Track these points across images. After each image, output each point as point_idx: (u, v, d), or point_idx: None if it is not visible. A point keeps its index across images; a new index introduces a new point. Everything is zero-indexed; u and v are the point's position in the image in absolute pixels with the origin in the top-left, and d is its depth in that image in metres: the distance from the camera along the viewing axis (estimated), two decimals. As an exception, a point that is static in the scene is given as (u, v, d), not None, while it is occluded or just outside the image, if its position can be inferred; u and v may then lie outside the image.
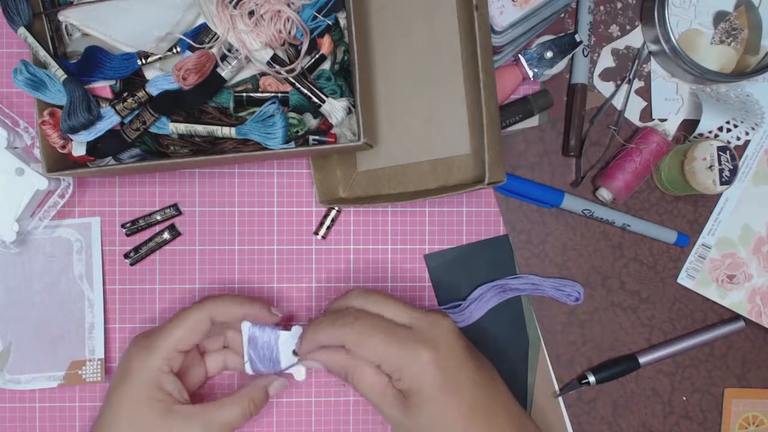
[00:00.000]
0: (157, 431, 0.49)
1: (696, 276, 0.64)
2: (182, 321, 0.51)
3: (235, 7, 0.51)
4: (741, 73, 0.62)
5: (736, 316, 0.65)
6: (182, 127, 0.53)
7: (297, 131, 0.53)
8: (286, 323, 0.60)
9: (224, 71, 0.52)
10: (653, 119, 0.64)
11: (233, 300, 0.53)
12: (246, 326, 0.54)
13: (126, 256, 0.60)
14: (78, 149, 0.53)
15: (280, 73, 0.52)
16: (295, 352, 0.54)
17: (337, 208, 0.61)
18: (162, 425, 0.49)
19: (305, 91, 0.53)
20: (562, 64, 0.60)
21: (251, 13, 0.51)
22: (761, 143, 0.64)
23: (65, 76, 0.50)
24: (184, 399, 0.51)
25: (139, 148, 0.54)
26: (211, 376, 0.57)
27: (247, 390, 0.53)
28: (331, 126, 0.54)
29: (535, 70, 0.59)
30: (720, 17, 0.63)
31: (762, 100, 0.64)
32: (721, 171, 0.59)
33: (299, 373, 0.55)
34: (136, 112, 0.52)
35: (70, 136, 0.52)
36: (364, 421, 0.62)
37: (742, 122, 0.62)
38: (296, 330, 0.54)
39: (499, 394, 0.51)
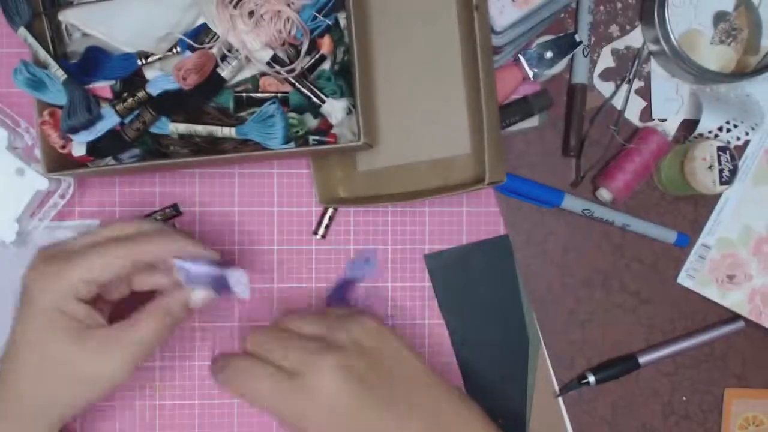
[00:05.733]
0: (69, 360, 0.45)
1: (696, 276, 0.64)
2: (96, 257, 0.46)
3: (235, 7, 0.51)
4: (741, 73, 0.62)
5: (736, 316, 0.65)
6: (182, 127, 0.53)
7: (297, 131, 0.53)
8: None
9: (224, 71, 0.52)
10: (653, 119, 0.64)
11: (165, 238, 0.47)
12: (178, 264, 0.47)
13: (126, 256, 0.60)
14: (78, 149, 0.53)
15: (280, 73, 0.52)
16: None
17: (334, 206, 0.61)
18: (73, 353, 0.45)
19: (305, 91, 0.53)
20: (562, 64, 0.60)
21: (251, 13, 0.51)
22: (761, 143, 0.64)
23: (65, 76, 0.50)
24: (96, 322, 0.47)
25: (139, 148, 0.54)
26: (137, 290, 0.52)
27: (161, 301, 0.48)
28: (331, 126, 0.54)
29: (535, 70, 0.59)
30: (720, 17, 0.63)
31: (762, 100, 0.64)
32: (721, 171, 0.59)
33: (241, 287, 0.49)
34: (136, 112, 0.52)
35: (70, 136, 0.52)
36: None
37: (742, 122, 0.62)
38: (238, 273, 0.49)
39: (410, 414, 0.47)
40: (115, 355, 0.46)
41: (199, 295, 0.49)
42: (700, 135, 0.62)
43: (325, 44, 0.53)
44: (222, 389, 0.49)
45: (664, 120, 0.64)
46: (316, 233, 0.61)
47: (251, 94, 0.54)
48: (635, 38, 0.64)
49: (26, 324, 0.46)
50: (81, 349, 0.45)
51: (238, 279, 0.49)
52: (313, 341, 0.48)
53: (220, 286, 0.49)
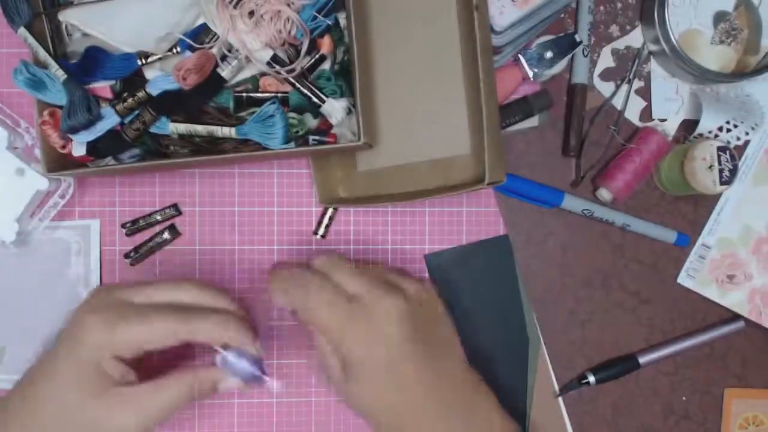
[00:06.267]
0: (85, 411, 0.46)
1: (696, 276, 0.64)
2: (151, 326, 0.47)
3: (235, 7, 0.51)
4: (741, 73, 0.62)
5: (736, 316, 0.65)
6: (182, 127, 0.53)
7: (297, 131, 0.53)
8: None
9: (224, 71, 0.52)
10: (653, 119, 0.64)
11: (220, 324, 0.48)
12: (222, 353, 0.49)
13: (126, 256, 0.60)
14: (78, 149, 0.53)
15: (280, 73, 0.52)
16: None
17: (334, 206, 0.61)
18: (91, 406, 0.46)
19: (305, 91, 0.53)
20: (562, 64, 0.60)
21: (251, 13, 0.51)
22: (761, 143, 0.64)
23: (65, 76, 0.50)
24: (127, 381, 0.48)
25: (139, 148, 0.54)
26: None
27: (193, 375, 0.48)
28: (331, 126, 0.54)
29: (535, 70, 0.59)
30: (720, 17, 0.63)
31: (762, 100, 0.64)
32: (720, 171, 0.59)
33: (272, 384, 0.50)
34: (136, 112, 0.52)
35: (70, 136, 0.52)
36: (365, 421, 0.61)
37: (742, 122, 0.62)
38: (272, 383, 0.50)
39: (442, 375, 0.50)
40: (132, 418, 0.47)
41: (230, 384, 0.50)
42: (700, 135, 0.62)
43: (325, 44, 0.53)
44: (275, 297, 0.51)
45: (664, 120, 0.64)
46: (316, 233, 0.61)
47: (251, 94, 0.54)
48: (635, 38, 0.64)
49: (60, 364, 0.47)
50: (101, 404, 0.46)
51: (272, 385, 0.50)
52: (379, 279, 0.51)
53: (253, 381, 0.50)
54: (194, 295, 0.50)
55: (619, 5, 0.64)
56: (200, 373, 0.49)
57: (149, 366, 0.52)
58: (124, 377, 0.48)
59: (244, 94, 0.54)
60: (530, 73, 0.59)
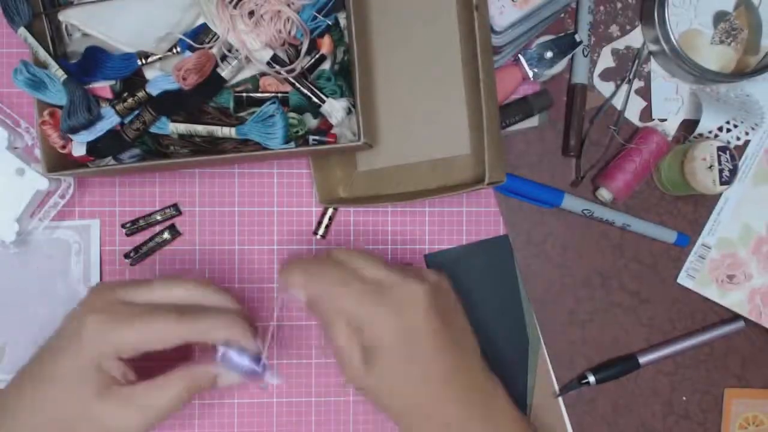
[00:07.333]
0: (86, 410, 0.46)
1: (696, 276, 0.64)
2: (154, 328, 0.47)
3: (235, 7, 0.51)
4: (741, 73, 0.62)
5: (736, 316, 0.65)
6: (182, 127, 0.53)
7: (297, 131, 0.53)
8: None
9: (224, 71, 0.52)
10: (653, 119, 0.64)
11: (222, 323, 0.48)
12: (222, 350, 0.49)
13: (126, 256, 0.60)
14: (78, 149, 0.53)
15: (280, 73, 0.52)
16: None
17: (334, 207, 0.61)
18: (92, 405, 0.46)
19: (305, 91, 0.53)
20: (562, 64, 0.60)
21: (251, 13, 0.51)
22: (761, 143, 0.64)
23: (65, 76, 0.50)
24: (127, 380, 0.48)
25: (139, 148, 0.54)
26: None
27: (192, 372, 0.49)
28: (331, 126, 0.54)
29: (535, 70, 0.59)
30: (720, 17, 0.63)
31: (762, 100, 0.64)
32: (721, 171, 0.59)
33: (272, 376, 0.51)
34: (136, 112, 0.52)
35: (70, 136, 0.52)
36: (365, 420, 0.62)
37: (742, 122, 0.62)
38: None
39: (462, 366, 0.50)
40: (134, 416, 0.47)
41: (230, 379, 0.50)
42: (700, 135, 0.62)
43: (325, 44, 0.53)
44: (291, 286, 0.50)
45: (664, 120, 0.64)
46: (316, 233, 0.61)
47: (251, 94, 0.54)
48: (635, 38, 0.64)
49: (60, 364, 0.47)
50: (103, 404, 0.46)
51: (271, 378, 0.50)
52: (396, 266, 0.51)
53: (252, 376, 0.50)
54: (195, 293, 0.50)
55: (619, 5, 0.64)
56: (199, 369, 0.49)
57: (149, 364, 0.52)
58: (125, 376, 0.48)
59: (244, 94, 0.54)
60: (530, 73, 0.59)
